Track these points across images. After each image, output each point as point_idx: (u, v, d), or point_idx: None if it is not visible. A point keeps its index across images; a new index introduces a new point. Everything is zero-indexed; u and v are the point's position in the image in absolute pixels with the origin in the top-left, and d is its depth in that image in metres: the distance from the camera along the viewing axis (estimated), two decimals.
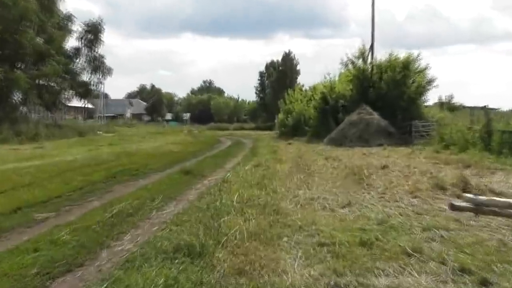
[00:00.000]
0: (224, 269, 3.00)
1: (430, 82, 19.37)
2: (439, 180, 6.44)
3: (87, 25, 29.11)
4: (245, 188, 6.34)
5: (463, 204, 3.53)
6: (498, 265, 2.98)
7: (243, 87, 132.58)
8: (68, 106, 34.06)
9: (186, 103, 78.30)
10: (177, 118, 69.19)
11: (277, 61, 55.67)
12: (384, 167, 8.55)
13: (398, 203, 5.33)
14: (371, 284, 2.75)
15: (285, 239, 3.80)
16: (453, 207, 3.59)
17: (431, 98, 30.31)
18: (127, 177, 8.31)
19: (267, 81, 56.86)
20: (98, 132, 29.62)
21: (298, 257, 3.31)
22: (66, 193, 6.32)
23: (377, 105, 18.33)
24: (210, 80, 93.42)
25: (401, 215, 4.64)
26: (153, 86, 73.27)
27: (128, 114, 62.45)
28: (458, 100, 31.06)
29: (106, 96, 48.98)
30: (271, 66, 55.96)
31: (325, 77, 24.38)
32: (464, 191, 5.37)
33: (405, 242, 3.53)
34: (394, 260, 3.17)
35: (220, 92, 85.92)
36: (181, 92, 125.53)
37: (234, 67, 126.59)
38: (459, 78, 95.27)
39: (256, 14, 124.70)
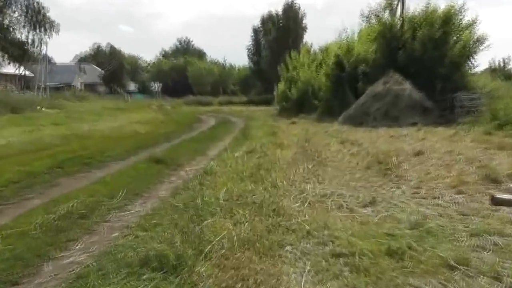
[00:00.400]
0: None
1: (479, 41, 19.21)
2: (491, 170, 6.46)
3: None
4: (234, 181, 6.38)
5: (508, 197, 3.49)
6: None
7: (231, 49, 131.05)
8: None
9: (155, 69, 77.57)
10: (143, 90, 68.69)
11: (277, 14, 54.89)
12: (418, 153, 8.60)
13: (437, 200, 5.35)
14: None
15: (288, 248, 3.81)
16: (495, 201, 3.55)
17: (481, 62, 30.26)
18: (77, 167, 8.28)
19: (263, 40, 56.34)
20: (39, 108, 29.24)
21: (306, 271, 3.30)
22: None
23: (409, 72, 18.27)
24: (187, 39, 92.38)
25: (441, 216, 4.66)
26: (111, 46, 72.10)
27: (78, 84, 61.69)
28: None
29: (49, 60, 48.23)
30: (268, 20, 55.22)
31: (340, 35, 24.18)
32: None
33: (446, 252, 3.54)
34: (432, 274, 3.18)
35: (200, 55, 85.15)
36: (148, 54, 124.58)
37: (219, 22, 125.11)
38: None
39: None
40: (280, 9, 54.75)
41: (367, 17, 21.66)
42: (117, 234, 4.38)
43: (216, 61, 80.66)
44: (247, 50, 58.88)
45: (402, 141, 11.04)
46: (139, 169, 8.10)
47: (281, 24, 53.62)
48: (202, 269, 3.26)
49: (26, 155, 9.27)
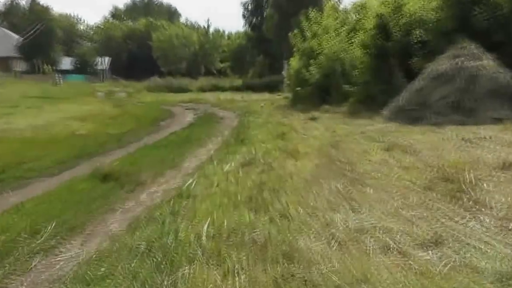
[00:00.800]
0: None
1: None
2: None
3: None
4: (224, 209, 6.40)
5: None
6: None
7: (218, 8, 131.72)
8: None
9: (102, 37, 77.77)
10: (83, 68, 68.76)
11: None
12: (506, 166, 8.53)
13: None
14: None
15: None
16: None
17: None
18: None
19: None
20: None
21: None
22: None
23: (492, 40, 18.23)
24: None
25: None
26: (33, 0, 72.29)
27: None
28: None
29: None
30: None
31: None
32: None
33: None
34: None
35: (171, 14, 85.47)
36: (91, 14, 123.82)
37: None
38: None
39: None
40: None
41: None
42: None
43: (195, 24, 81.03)
44: (242, 8, 59.24)
45: (481, 147, 10.98)
46: (78, 190, 8.09)
47: None
48: None
49: None
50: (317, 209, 6.56)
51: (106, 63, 66.51)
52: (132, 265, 4.65)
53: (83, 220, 6.46)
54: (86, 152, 11.81)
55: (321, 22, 29.68)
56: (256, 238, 5.28)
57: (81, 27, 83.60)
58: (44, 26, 65.99)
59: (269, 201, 6.84)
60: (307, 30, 30.39)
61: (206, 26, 79.07)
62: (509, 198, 6.72)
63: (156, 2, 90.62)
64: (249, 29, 59.61)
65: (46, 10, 70.26)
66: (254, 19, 58.07)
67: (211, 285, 4.07)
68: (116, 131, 16.34)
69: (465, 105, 16.71)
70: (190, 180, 8.39)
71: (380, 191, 7.49)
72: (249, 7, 58.15)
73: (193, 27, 78.97)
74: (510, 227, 5.69)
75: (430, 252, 5.02)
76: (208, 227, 5.59)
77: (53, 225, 5.92)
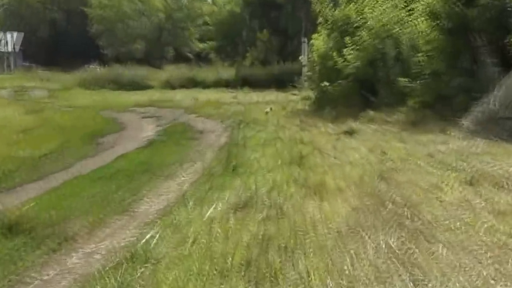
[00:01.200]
0: None
1: None
2: None
3: None
4: (205, 280, 6.39)
5: None
6: None
7: None
8: None
9: (8, 0, 78.52)
10: None
11: None
12: None
13: None
14: None
15: None
16: None
17: None
18: None
19: None
20: None
21: None
22: None
23: None
24: None
25: None
26: None
27: None
28: None
29: None
30: None
31: None
32: None
33: None
34: None
35: None
36: None
37: None
38: None
39: None
40: None
41: None
42: None
43: None
44: None
45: None
46: None
47: None
48: None
49: None
50: (357, 280, 6.44)
51: (14, 42, 66.82)
52: None
53: None
54: None
55: None
56: None
57: None
58: None
59: (278, 267, 6.72)
60: None
61: None
62: None
63: None
64: None
65: None
66: None
67: None
68: (30, 153, 16.20)
69: None
70: (151, 233, 8.30)
71: (460, 252, 7.38)
72: None
73: None
74: None
75: None
76: None
77: None
